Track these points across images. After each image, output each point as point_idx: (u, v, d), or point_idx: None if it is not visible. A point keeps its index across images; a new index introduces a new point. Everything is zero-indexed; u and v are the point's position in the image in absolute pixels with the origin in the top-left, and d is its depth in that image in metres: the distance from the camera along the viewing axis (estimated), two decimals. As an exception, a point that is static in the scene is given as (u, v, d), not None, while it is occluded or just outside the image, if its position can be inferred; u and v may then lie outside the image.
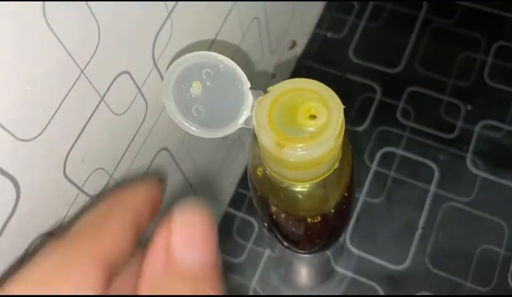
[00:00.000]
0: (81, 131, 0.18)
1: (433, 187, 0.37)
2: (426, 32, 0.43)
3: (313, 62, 0.43)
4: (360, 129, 0.40)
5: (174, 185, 0.28)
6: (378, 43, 0.43)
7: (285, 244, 0.24)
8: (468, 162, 0.38)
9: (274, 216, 0.21)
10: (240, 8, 0.28)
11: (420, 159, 0.38)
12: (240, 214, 0.38)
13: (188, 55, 0.18)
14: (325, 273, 0.35)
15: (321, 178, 0.20)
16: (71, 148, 0.18)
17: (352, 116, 0.40)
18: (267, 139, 0.18)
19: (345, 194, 0.21)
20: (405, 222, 0.36)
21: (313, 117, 0.18)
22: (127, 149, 0.22)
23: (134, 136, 0.22)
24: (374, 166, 0.38)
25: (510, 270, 0.34)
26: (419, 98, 0.40)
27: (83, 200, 0.20)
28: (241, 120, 0.19)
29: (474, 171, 0.38)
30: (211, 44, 0.26)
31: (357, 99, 0.41)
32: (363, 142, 0.39)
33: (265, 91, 0.19)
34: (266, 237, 0.36)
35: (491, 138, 0.38)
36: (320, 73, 0.42)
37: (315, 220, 0.21)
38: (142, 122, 0.22)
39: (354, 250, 0.36)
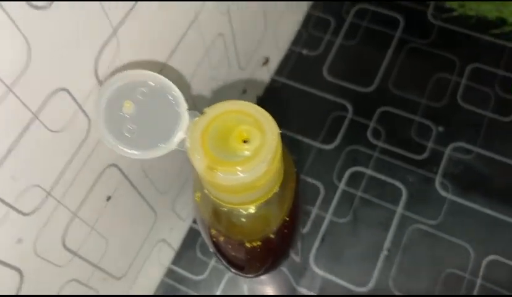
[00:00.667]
0: (11, 149, 0.18)
1: (400, 209, 0.37)
2: (402, 52, 0.43)
3: (287, 79, 0.43)
4: (330, 147, 0.40)
5: (129, 202, 0.28)
6: (352, 61, 0.43)
7: (231, 268, 0.23)
8: (437, 184, 0.37)
9: (214, 240, 0.21)
10: (202, 24, 0.28)
11: (389, 179, 0.38)
12: (205, 230, 0.37)
13: (122, 73, 0.18)
14: (287, 293, 0.35)
15: (259, 202, 0.19)
16: (-2, 166, 0.18)
17: (322, 134, 0.40)
18: (199, 162, 0.18)
19: (287, 219, 0.21)
20: (371, 243, 0.36)
21: (246, 141, 0.18)
22: (66, 166, 0.21)
23: (75, 152, 0.22)
24: (342, 185, 0.38)
25: (474, 295, 0.34)
26: (391, 118, 0.40)
27: (16, 216, 0.19)
28: (175, 141, 0.18)
29: (443, 193, 0.37)
30: (167, 60, 0.26)
31: (328, 118, 0.41)
32: (332, 161, 0.39)
33: (202, 113, 0.18)
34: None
35: (462, 161, 0.38)
36: (293, 90, 0.42)
37: (255, 245, 0.20)
38: (84, 139, 0.22)
39: (318, 270, 0.35)
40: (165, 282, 0.36)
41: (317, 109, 0.41)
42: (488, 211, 0.36)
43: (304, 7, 0.45)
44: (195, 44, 0.29)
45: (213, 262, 0.36)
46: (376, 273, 0.35)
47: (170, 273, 0.36)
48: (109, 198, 0.26)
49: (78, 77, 0.20)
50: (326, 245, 0.36)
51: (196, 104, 0.30)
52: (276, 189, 0.20)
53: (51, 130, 0.20)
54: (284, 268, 0.31)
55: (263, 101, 0.42)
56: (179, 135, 0.18)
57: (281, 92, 0.42)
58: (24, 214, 0.20)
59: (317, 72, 0.43)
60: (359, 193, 0.38)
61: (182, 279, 0.36)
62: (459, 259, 0.35)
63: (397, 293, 0.34)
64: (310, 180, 0.38)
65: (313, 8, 0.46)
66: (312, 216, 0.37)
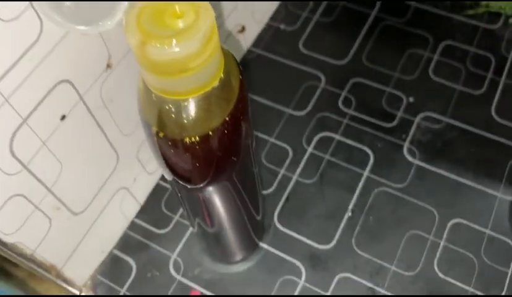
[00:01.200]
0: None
1: (366, 172, 0.37)
2: (377, 29, 0.44)
3: (263, 51, 0.43)
4: (301, 113, 0.40)
5: (86, 130, 0.28)
6: (328, 37, 0.44)
7: (172, 175, 0.23)
8: (405, 150, 0.38)
9: (155, 139, 0.21)
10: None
11: (357, 145, 0.38)
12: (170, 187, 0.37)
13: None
14: (249, 249, 0.34)
15: (197, 93, 0.19)
16: None
17: (294, 101, 0.40)
18: (132, 38, 0.18)
19: (227, 119, 0.21)
20: (336, 204, 0.36)
21: (181, 18, 0.18)
22: (16, 62, 0.22)
23: (25, 52, 0.22)
24: (310, 149, 0.38)
25: (437, 256, 0.33)
26: (362, 88, 0.41)
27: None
28: (113, 20, 0.19)
29: (410, 159, 0.37)
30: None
31: (301, 87, 0.41)
32: (302, 126, 0.39)
33: (141, -2, 0.19)
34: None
35: (430, 130, 0.38)
36: (268, 61, 0.43)
37: (193, 140, 0.20)
38: (36, 41, 0.22)
39: (281, 227, 0.35)
40: (128, 234, 0.36)
41: (291, 79, 0.42)
42: (454, 177, 0.36)
43: (284, -15, 0.46)
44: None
45: (177, 217, 0.36)
46: (339, 233, 0.35)
47: (133, 226, 0.36)
48: (63, 117, 0.26)
49: (29, -30, 0.21)
50: (291, 204, 0.36)
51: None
52: (214, 84, 0.20)
53: (1, 19, 0.20)
54: (247, 222, 0.31)
55: (238, 70, 0.42)
56: (118, 15, 0.19)
57: (257, 62, 0.43)
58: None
59: (293, 45, 0.43)
60: (327, 157, 0.38)
61: (145, 233, 0.36)
62: (424, 221, 0.35)
63: (359, 252, 0.34)
64: (279, 143, 0.39)
65: (292, -13, 0.47)
66: (279, 177, 0.37)
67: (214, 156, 0.22)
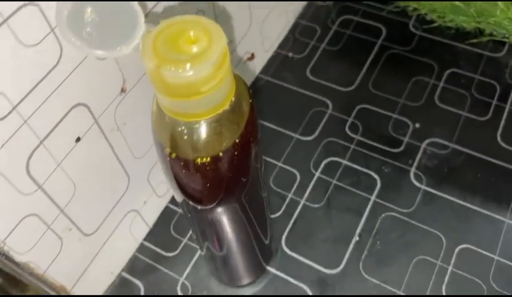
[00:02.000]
0: (-21, 45, 0.20)
1: (374, 197, 0.37)
2: (383, 57, 0.45)
3: (272, 77, 0.44)
4: (309, 138, 0.40)
5: (99, 152, 0.29)
6: (335, 64, 0.45)
7: (185, 198, 0.24)
8: (411, 175, 0.38)
9: (168, 159, 0.22)
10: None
11: (364, 170, 0.38)
12: (179, 210, 0.38)
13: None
14: (256, 272, 0.34)
15: (209, 115, 0.20)
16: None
17: (302, 127, 0.41)
18: (149, 62, 0.19)
19: (237, 141, 0.21)
20: (343, 228, 0.36)
21: (195, 43, 0.19)
22: (36, 86, 0.23)
23: (46, 75, 0.23)
24: (318, 173, 0.39)
25: (445, 282, 0.33)
26: (369, 114, 0.41)
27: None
28: (130, 45, 0.20)
29: (417, 184, 0.37)
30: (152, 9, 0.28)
31: (309, 112, 0.42)
32: (310, 151, 0.40)
33: (157, 24, 0.20)
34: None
35: (437, 155, 0.39)
36: (277, 87, 0.44)
37: (204, 161, 0.21)
38: (55, 65, 0.23)
39: (289, 251, 0.35)
40: (136, 257, 0.36)
41: (299, 104, 0.43)
42: (461, 202, 0.36)
43: (291, 15, 0.47)
44: (174, 14, 0.30)
45: (185, 240, 0.36)
46: (347, 257, 0.35)
47: (141, 248, 0.36)
48: (78, 139, 0.27)
49: (51, -2, 0.22)
50: (299, 228, 0.36)
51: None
52: (225, 107, 0.21)
53: (22, 42, 0.21)
54: (255, 246, 0.32)
55: (246, 96, 0.43)
56: (134, 41, 0.20)
57: (265, 89, 0.44)
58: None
59: (301, 72, 0.44)
60: (334, 181, 0.38)
61: (153, 255, 0.36)
62: (432, 246, 0.35)
63: (367, 277, 0.34)
64: (287, 168, 0.39)
65: (300, 17, 0.48)
66: (287, 200, 0.38)
67: (224, 177, 0.22)
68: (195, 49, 0.19)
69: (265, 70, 0.45)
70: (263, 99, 0.43)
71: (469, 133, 0.39)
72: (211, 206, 0.24)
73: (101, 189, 0.30)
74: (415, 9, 0.47)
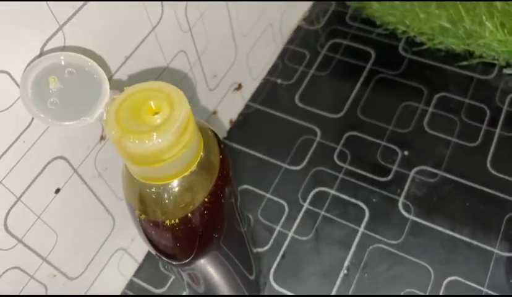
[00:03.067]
0: None
1: (362, 228, 0.37)
2: (372, 81, 0.44)
3: (260, 105, 0.44)
4: (297, 168, 0.40)
5: (81, 200, 0.29)
6: (324, 90, 0.45)
7: (161, 256, 0.24)
8: (400, 205, 0.38)
9: (138, 220, 0.22)
10: (160, 37, 0.30)
11: (352, 200, 0.38)
12: (169, 245, 0.38)
13: (49, 55, 0.20)
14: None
15: (176, 177, 0.20)
16: None
17: (290, 156, 0.41)
18: (111, 132, 0.19)
19: (206, 200, 0.22)
20: (331, 261, 0.36)
21: (157, 113, 0.19)
22: (9, 147, 0.23)
23: (18, 137, 0.23)
24: (306, 205, 0.39)
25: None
26: (357, 142, 0.41)
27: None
28: (94, 115, 0.20)
29: (405, 214, 0.37)
30: (124, 62, 0.28)
31: (297, 141, 0.42)
32: (298, 181, 0.40)
33: (121, 91, 0.20)
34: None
35: (425, 183, 0.38)
36: (266, 115, 0.44)
37: (173, 222, 0.21)
38: (28, 125, 0.24)
39: (277, 286, 0.35)
40: (126, 293, 0.36)
41: (287, 133, 0.43)
42: (450, 233, 0.36)
43: (279, 41, 0.47)
44: (153, 56, 0.31)
45: (174, 277, 0.37)
46: (335, 291, 0.35)
47: (131, 284, 0.37)
48: (58, 190, 0.27)
49: (21, 63, 0.22)
50: (287, 262, 0.36)
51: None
52: (193, 168, 0.21)
53: (-8, 109, 0.22)
54: (240, 284, 0.32)
55: (236, 124, 0.43)
56: (98, 110, 0.20)
57: (254, 117, 0.44)
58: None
59: (290, 99, 0.44)
60: (323, 212, 0.38)
61: (142, 292, 0.36)
62: (420, 279, 0.35)
63: (354, 311, 0.34)
64: (275, 199, 0.39)
65: (289, 42, 0.48)
66: (275, 233, 0.38)
67: (195, 236, 0.22)
68: (157, 119, 0.19)
69: (254, 97, 0.45)
70: (251, 128, 0.43)
71: (458, 160, 0.39)
72: (185, 261, 0.24)
73: (85, 234, 0.31)
74: (404, 32, 0.47)
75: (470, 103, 0.42)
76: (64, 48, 0.24)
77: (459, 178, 0.38)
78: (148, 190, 0.21)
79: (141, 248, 0.37)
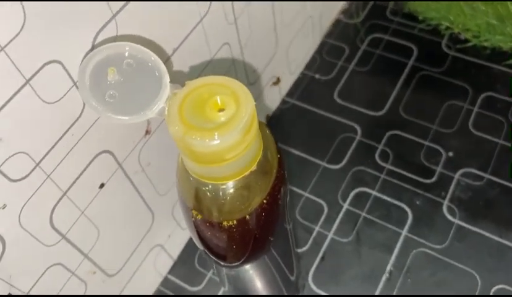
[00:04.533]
0: (0, 108, 0.19)
1: (405, 231, 0.36)
2: (414, 79, 0.43)
3: (298, 101, 0.43)
4: (337, 167, 0.39)
5: (124, 195, 0.28)
6: (364, 87, 0.43)
7: (212, 256, 0.23)
8: (444, 209, 0.36)
9: (194, 220, 0.21)
10: (207, 29, 0.29)
11: (395, 201, 0.37)
12: (204, 242, 0.37)
13: (110, 43, 0.19)
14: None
15: (235, 178, 0.19)
16: (-14, 123, 0.19)
17: (329, 154, 0.40)
18: (175, 129, 0.18)
19: (264, 202, 0.20)
20: (373, 265, 0.35)
21: (222, 110, 0.18)
22: (59, 140, 0.22)
23: (68, 129, 0.22)
24: (346, 205, 0.37)
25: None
26: (400, 141, 0.40)
27: (2, 180, 0.20)
28: (155, 109, 0.19)
29: (450, 218, 0.36)
30: (172, 54, 0.27)
31: (336, 138, 0.41)
32: (338, 180, 0.39)
33: (183, 85, 0.19)
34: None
35: (471, 187, 0.37)
36: (303, 111, 0.42)
37: (231, 224, 0.20)
38: (78, 118, 0.23)
39: (316, 289, 0.34)
40: (161, 291, 0.35)
41: (326, 130, 0.41)
42: (497, 239, 0.35)
43: (318, 34, 0.46)
44: (199, 48, 0.30)
45: (209, 274, 0.36)
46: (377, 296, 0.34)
47: (166, 282, 0.36)
48: (102, 185, 0.26)
49: (74, 53, 0.21)
50: (326, 264, 0.35)
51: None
52: (253, 167, 0.20)
53: (43, 100, 0.21)
54: (280, 283, 0.31)
55: (272, 120, 0.42)
56: (159, 104, 0.19)
57: (291, 112, 0.43)
58: (10, 180, 0.21)
59: (328, 95, 0.43)
60: (363, 214, 0.37)
61: (177, 289, 0.35)
62: (466, 286, 0.33)
63: (397, 317, 0.33)
64: (314, 198, 0.38)
65: (327, 36, 0.47)
66: (314, 234, 0.36)
67: (251, 238, 0.21)
68: (222, 116, 0.18)
69: (291, 93, 0.44)
70: (288, 124, 0.42)
71: (505, 164, 0.38)
72: (237, 264, 0.23)
73: (125, 229, 0.30)
74: (447, 28, 0.45)
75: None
76: (116, 38, 0.23)
77: (506, 182, 0.37)
78: (205, 189, 0.20)
79: (177, 244, 0.36)
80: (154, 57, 0.19)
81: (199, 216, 0.21)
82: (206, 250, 0.23)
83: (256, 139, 0.19)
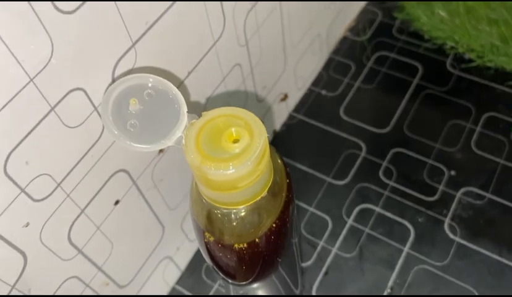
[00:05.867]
0: (27, 135, 0.20)
1: (407, 248, 0.37)
2: (419, 97, 0.44)
3: (304, 116, 0.44)
4: (341, 183, 0.40)
5: (137, 210, 0.29)
6: (369, 104, 0.45)
7: (221, 275, 0.24)
8: (446, 226, 0.37)
9: (206, 241, 0.22)
10: (219, 52, 0.30)
11: (398, 219, 0.38)
12: (212, 254, 0.38)
13: (133, 75, 0.20)
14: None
15: (247, 203, 0.20)
16: (14, 148, 0.20)
17: (334, 170, 0.41)
18: (191, 158, 0.19)
19: (274, 225, 0.22)
20: (375, 280, 0.36)
21: (236, 141, 0.19)
22: (79, 161, 0.23)
23: (88, 151, 0.24)
24: (350, 221, 0.38)
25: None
26: (404, 159, 0.41)
27: (23, 201, 0.21)
28: (173, 138, 0.20)
29: (451, 236, 0.37)
30: (184, 79, 0.28)
31: (341, 154, 0.42)
32: (342, 196, 0.40)
33: (199, 116, 0.20)
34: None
35: (472, 205, 0.38)
36: (310, 126, 0.44)
37: (242, 247, 0.21)
38: (97, 140, 0.24)
39: (319, 302, 0.36)
40: (168, 301, 0.37)
41: (331, 146, 0.42)
42: (497, 257, 0.36)
43: (325, 51, 0.47)
44: (212, 69, 0.31)
45: (216, 286, 0.37)
46: (378, 311, 0.35)
47: (173, 292, 0.37)
48: (117, 202, 0.27)
49: (96, 80, 0.22)
50: (330, 278, 0.36)
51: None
52: (264, 193, 0.21)
53: (66, 125, 0.22)
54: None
55: (279, 135, 0.43)
56: (177, 134, 0.20)
57: (298, 128, 0.44)
58: (34, 200, 0.22)
59: (334, 111, 0.44)
60: (367, 230, 0.38)
61: (185, 300, 0.37)
62: (465, 304, 0.34)
63: (398, 333, 0.34)
64: (318, 213, 0.39)
65: (334, 53, 0.48)
66: (318, 248, 0.38)
67: (260, 259, 0.22)
68: (236, 148, 0.19)
69: (298, 108, 0.45)
70: (294, 139, 0.43)
71: (507, 183, 0.39)
72: (245, 283, 0.24)
73: (137, 243, 0.31)
74: (452, 47, 0.46)
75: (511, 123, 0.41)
76: (134, 66, 0.24)
77: (507, 201, 0.38)
78: (217, 212, 0.21)
79: (185, 256, 0.37)
80: (174, 89, 0.20)
81: (211, 238, 0.22)
82: (216, 269, 0.24)
83: (267, 168, 0.20)
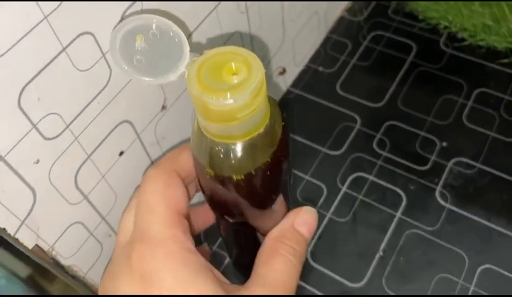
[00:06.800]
0: (40, 71, 0.21)
1: (399, 213, 0.38)
2: (412, 73, 0.45)
3: (302, 91, 0.46)
4: (336, 153, 0.42)
5: (140, 165, 0.31)
6: (365, 80, 0.46)
7: (217, 209, 0.25)
8: (437, 194, 0.39)
9: (207, 177, 0.23)
10: (220, 14, 0.32)
11: (390, 186, 0.39)
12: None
13: (139, 15, 0.22)
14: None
15: (246, 137, 0.22)
16: (28, 82, 0.21)
17: (330, 141, 0.42)
18: (193, 90, 0.20)
19: (269, 160, 0.23)
20: (367, 244, 0.37)
21: (235, 74, 0.21)
22: (87, 106, 0.25)
23: (95, 97, 0.25)
24: (344, 188, 0.40)
25: (468, 295, 0.34)
26: (397, 131, 0.42)
27: (35, 138, 0.23)
28: (177, 73, 0.21)
29: (442, 202, 0.38)
30: (188, 37, 0.29)
31: (337, 127, 0.43)
32: (337, 166, 0.41)
33: (201, 53, 0.22)
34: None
35: (463, 175, 0.39)
36: (307, 100, 0.45)
37: (239, 178, 0.23)
38: (104, 86, 0.25)
39: (314, 264, 0.37)
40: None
41: (327, 119, 0.44)
42: (485, 222, 0.37)
43: (323, 29, 0.48)
44: (213, 32, 0.32)
45: (215, 247, 0.38)
46: (370, 272, 0.36)
47: (174, 253, 0.38)
48: (121, 153, 0.29)
49: (105, 27, 0.24)
50: (324, 241, 0.38)
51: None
52: (260, 130, 0.22)
53: (76, 68, 0.23)
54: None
55: (277, 109, 0.45)
56: (180, 69, 0.21)
57: (295, 102, 0.45)
58: (44, 137, 0.23)
59: (330, 87, 0.46)
60: (360, 197, 0.39)
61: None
62: (454, 265, 0.36)
63: (389, 292, 0.35)
64: (314, 181, 0.40)
65: (332, 31, 0.49)
66: (313, 213, 0.39)
67: (256, 190, 0.24)
68: (235, 79, 0.20)
69: (295, 83, 0.46)
70: (292, 113, 0.45)
71: (496, 154, 0.40)
72: (242, 220, 0.26)
73: (139, 198, 0.32)
74: (446, 27, 0.47)
75: (509, 100, 0.43)
76: (141, 11, 0.25)
77: (496, 171, 0.39)
78: (217, 148, 0.22)
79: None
80: (176, 28, 0.22)
81: (212, 173, 0.23)
82: (216, 207, 0.25)
83: (264, 104, 0.22)
